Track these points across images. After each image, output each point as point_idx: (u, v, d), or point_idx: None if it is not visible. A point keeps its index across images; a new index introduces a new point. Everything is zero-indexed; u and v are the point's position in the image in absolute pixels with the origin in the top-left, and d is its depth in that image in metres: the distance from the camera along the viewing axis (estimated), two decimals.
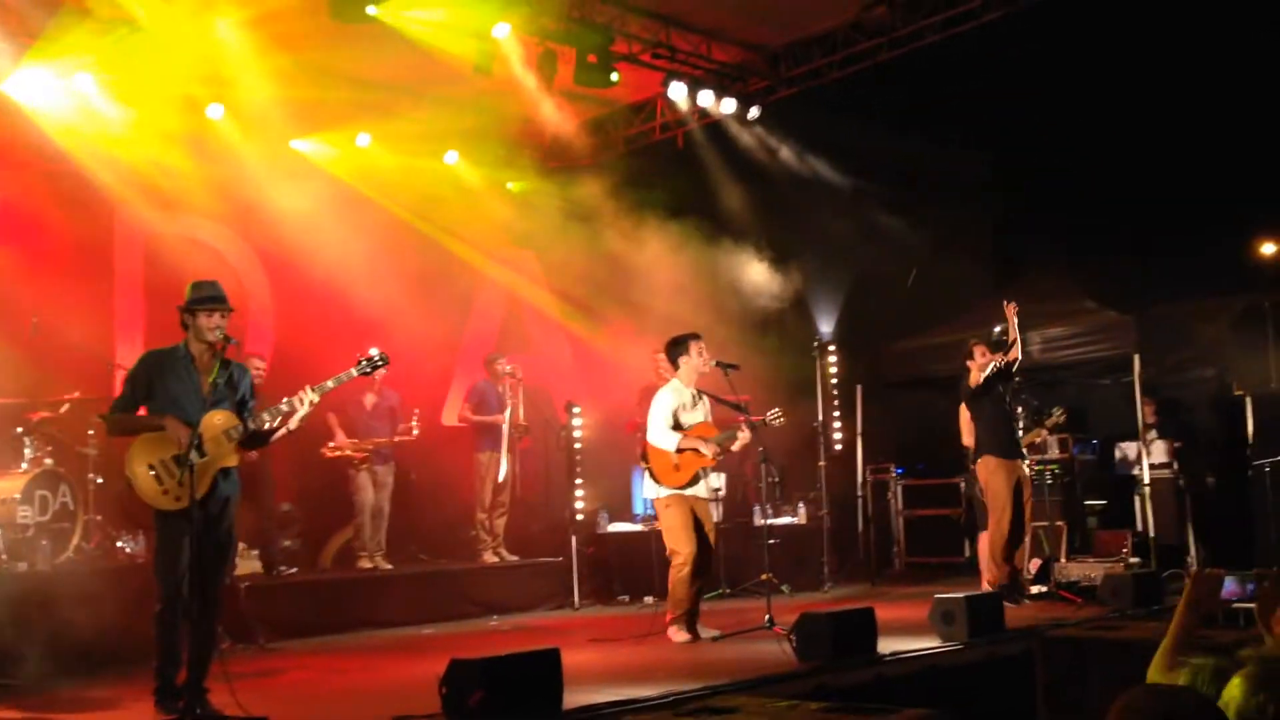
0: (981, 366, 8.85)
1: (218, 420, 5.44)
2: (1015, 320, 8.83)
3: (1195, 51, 10.77)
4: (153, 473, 5.36)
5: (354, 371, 5.86)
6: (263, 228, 10.67)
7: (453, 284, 12.14)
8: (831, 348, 12.32)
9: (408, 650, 7.82)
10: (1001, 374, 8.82)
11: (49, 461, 7.97)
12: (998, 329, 9.85)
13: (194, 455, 5.26)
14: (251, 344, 9.67)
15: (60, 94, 9.65)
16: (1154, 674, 2.90)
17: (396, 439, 10.01)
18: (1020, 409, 9.28)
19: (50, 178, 9.55)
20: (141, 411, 5.51)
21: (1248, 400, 10.40)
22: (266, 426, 5.54)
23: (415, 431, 10.07)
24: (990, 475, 8.79)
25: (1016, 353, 8.79)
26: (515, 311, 13.16)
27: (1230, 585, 7.02)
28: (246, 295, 11.15)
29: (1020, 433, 9.23)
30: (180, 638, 5.37)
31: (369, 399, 10.09)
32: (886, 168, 12.07)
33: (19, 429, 8.08)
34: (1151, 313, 11.12)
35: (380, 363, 5.92)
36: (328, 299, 10.76)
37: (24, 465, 7.91)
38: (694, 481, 7.66)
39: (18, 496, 7.56)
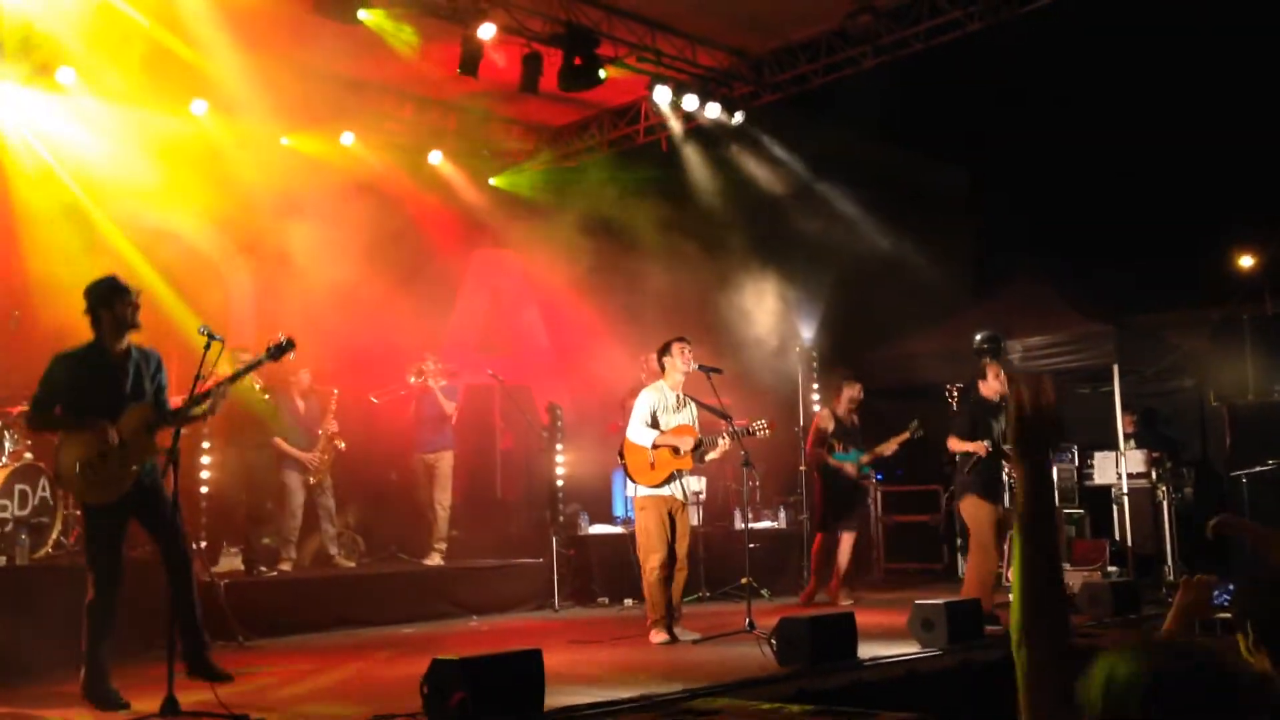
0: (994, 391, 8.52)
1: (136, 413, 5.68)
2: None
3: (1176, 67, 10.88)
4: (78, 470, 5.59)
5: (263, 357, 5.93)
6: (245, 223, 10.63)
7: (435, 283, 12.13)
8: (813, 353, 12.37)
9: (388, 650, 7.79)
10: (989, 411, 8.51)
11: (28, 455, 7.92)
12: (979, 336, 9.92)
13: (113, 451, 5.56)
14: (234, 340, 9.63)
15: (42, 88, 9.61)
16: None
17: (322, 455, 9.78)
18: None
19: (27, 169, 9.51)
20: (59, 410, 5.71)
21: (1225, 411, 10.50)
22: (189, 412, 5.74)
23: (340, 444, 9.91)
24: (974, 513, 8.47)
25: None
26: (498, 311, 13.16)
27: (1219, 594, 7.08)
28: (229, 291, 11.15)
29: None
30: (106, 634, 5.57)
31: (299, 404, 9.84)
32: (869, 174, 12.12)
33: None
34: (1131, 323, 11.21)
35: (287, 347, 5.94)
36: (310, 295, 10.74)
37: (3, 459, 7.87)
38: (669, 481, 7.68)
39: None
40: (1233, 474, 9.98)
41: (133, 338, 5.87)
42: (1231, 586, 6.38)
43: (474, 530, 11.12)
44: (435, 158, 12.38)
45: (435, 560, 10.17)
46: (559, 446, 10.49)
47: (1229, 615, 3.15)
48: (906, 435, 10.33)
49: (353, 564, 9.96)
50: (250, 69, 9.69)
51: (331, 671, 6.99)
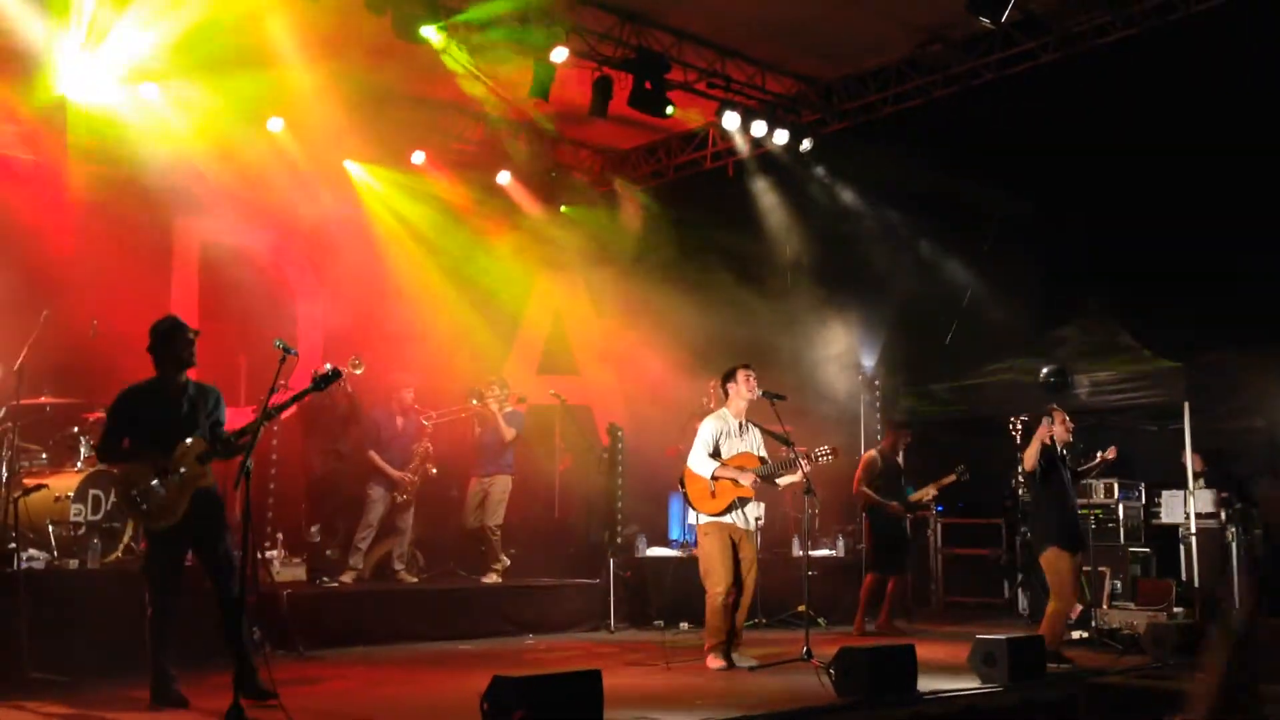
0: (1061, 437, 8.37)
1: (189, 444, 5.96)
2: None
3: (1246, 102, 10.71)
4: (135, 498, 5.92)
5: (310, 388, 6.05)
6: (314, 238, 10.82)
7: (499, 303, 12.24)
8: (876, 383, 12.29)
9: (445, 665, 7.85)
10: (1060, 459, 8.38)
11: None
12: (1045, 370, 9.81)
13: (166, 479, 5.88)
14: (303, 355, 9.81)
15: (125, 99, 9.86)
16: None
17: (411, 476, 9.96)
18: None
19: (112, 183, 9.77)
20: (126, 443, 6.03)
21: None
22: (238, 441, 5.97)
23: (432, 470, 10.09)
24: (1054, 563, 8.22)
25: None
26: (561, 332, 13.25)
27: None
28: (297, 308, 11.34)
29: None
30: (167, 643, 5.88)
31: (399, 421, 10.08)
32: (936, 205, 12.05)
33: (75, 428, 8.26)
34: (1201, 361, 11.01)
35: (333, 377, 6.04)
36: (376, 313, 10.90)
37: (79, 464, 8.06)
38: (730, 510, 7.67)
39: (71, 495, 7.69)
40: None
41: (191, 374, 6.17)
42: None
43: (531, 549, 11.16)
44: (504, 178, 12.50)
45: (493, 579, 10.23)
46: (619, 468, 10.52)
47: None
48: (952, 479, 10.34)
49: (414, 579, 10.05)
50: (324, 87, 9.90)
51: (391, 684, 7.05)
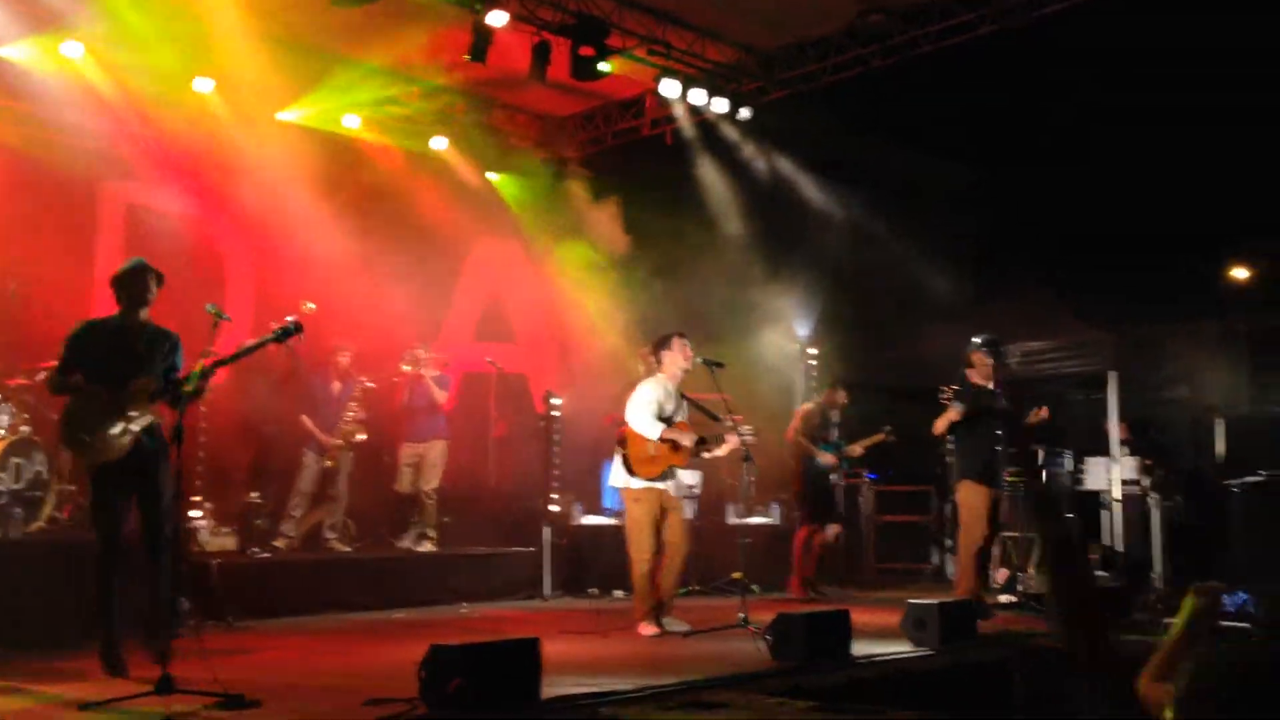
0: (985, 377, 8.79)
1: (142, 383, 5.95)
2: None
3: (1180, 76, 10.88)
4: (80, 430, 5.88)
5: (268, 338, 5.89)
6: (244, 201, 10.58)
7: (435, 269, 12.10)
8: (810, 351, 12.36)
9: (380, 634, 7.79)
10: (986, 398, 8.72)
11: (25, 429, 7.89)
12: (977, 339, 9.92)
13: (114, 417, 5.85)
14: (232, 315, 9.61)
15: (46, 58, 9.55)
16: (1144, 684, 2.94)
17: (339, 441, 9.83)
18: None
19: (34, 144, 9.46)
20: (79, 377, 5.97)
21: (1220, 421, 10.53)
22: (185, 389, 5.79)
23: (360, 435, 9.95)
24: (967, 497, 8.70)
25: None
26: (498, 299, 13.13)
27: (1233, 599, 7.20)
28: (226, 272, 11.11)
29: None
30: (114, 590, 5.85)
31: (335, 386, 9.96)
32: (874, 174, 12.11)
33: None
34: (1129, 332, 11.23)
35: (294, 330, 5.90)
36: (308, 278, 10.69)
37: (0, 432, 7.83)
38: (663, 476, 7.68)
39: None
40: (1225, 483, 10.02)
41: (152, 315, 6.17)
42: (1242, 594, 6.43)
43: (466, 517, 11.11)
44: (439, 144, 12.33)
45: (426, 547, 10.17)
46: (555, 436, 10.49)
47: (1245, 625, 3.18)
48: (880, 438, 10.54)
49: (347, 549, 9.95)
50: (255, 47, 9.66)
51: (324, 655, 6.98)
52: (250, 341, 5.92)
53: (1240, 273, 13.14)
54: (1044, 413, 9.36)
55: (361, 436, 9.98)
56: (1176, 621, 3.10)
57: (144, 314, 6.12)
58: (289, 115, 11.24)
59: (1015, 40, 10.18)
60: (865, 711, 3.74)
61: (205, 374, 5.66)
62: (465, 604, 9.47)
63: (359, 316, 10.65)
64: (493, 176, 13.05)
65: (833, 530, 10.41)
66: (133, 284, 6.09)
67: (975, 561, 8.65)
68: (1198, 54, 10.65)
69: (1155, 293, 11.43)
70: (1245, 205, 11.27)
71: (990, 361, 8.81)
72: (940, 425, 8.74)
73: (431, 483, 10.32)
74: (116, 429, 5.86)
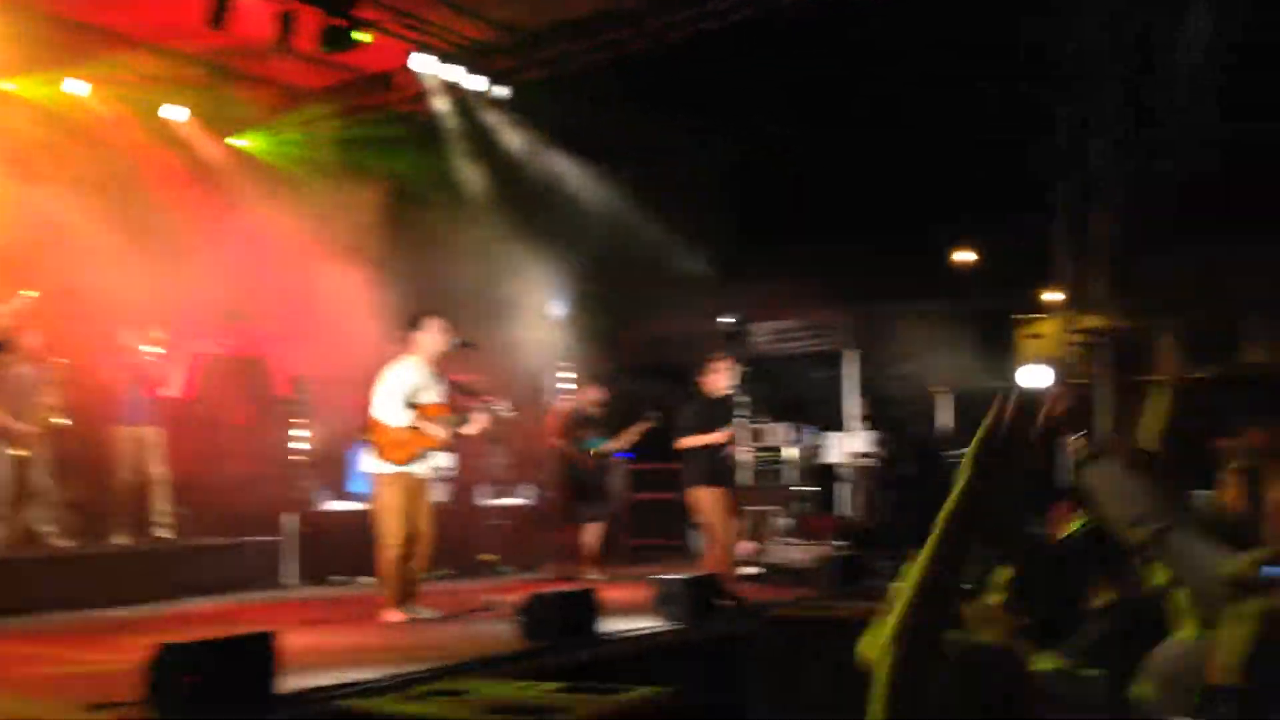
0: (720, 387, 8.96)
1: None
2: None
3: (911, 67, 11.50)
4: None
5: None
6: None
7: (171, 245, 11.42)
8: (565, 330, 12.41)
9: (107, 632, 7.29)
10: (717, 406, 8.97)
11: None
12: (724, 319, 10.24)
13: None
14: None
15: None
16: (864, 646, 3.05)
17: (32, 428, 9.07)
18: None
19: None
20: None
21: (946, 397, 11.25)
22: None
23: (61, 420, 9.27)
24: (701, 500, 8.86)
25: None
26: (241, 278, 12.51)
27: None
28: None
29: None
30: None
31: (24, 370, 9.18)
32: (628, 156, 12.26)
33: None
34: (865, 312, 11.83)
35: None
36: (28, 257, 9.89)
37: None
38: (416, 460, 7.55)
39: None
40: (950, 454, 10.71)
41: None
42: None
43: (204, 507, 10.53)
44: (176, 113, 11.62)
45: (161, 537, 9.61)
46: (297, 420, 10.12)
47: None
48: (644, 426, 10.72)
49: (70, 543, 9.26)
50: None
51: (46, 657, 6.48)
52: None
53: (967, 256, 14.07)
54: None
55: (63, 421, 9.22)
56: (899, 587, 3.23)
57: None
58: (8, 85, 10.38)
59: (764, 28, 10.49)
60: (608, 689, 3.76)
61: None
62: (201, 597, 9.00)
63: (86, 296, 9.93)
64: (241, 144, 12.42)
65: (596, 528, 10.45)
66: None
67: (727, 562, 8.82)
68: (935, 47, 11.26)
69: (889, 274, 12.08)
70: (970, 192, 12.04)
71: (724, 365, 8.98)
72: (688, 443, 8.90)
73: (157, 468, 9.73)
74: None
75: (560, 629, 6.33)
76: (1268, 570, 1.84)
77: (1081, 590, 3.06)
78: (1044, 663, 2.73)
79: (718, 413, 8.90)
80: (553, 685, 3.86)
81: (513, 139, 12.36)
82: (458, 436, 7.83)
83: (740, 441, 9.23)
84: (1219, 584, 1.92)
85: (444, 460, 9.52)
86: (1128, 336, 11.11)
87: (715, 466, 8.82)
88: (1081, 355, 11.08)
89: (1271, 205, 9.59)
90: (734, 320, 9.77)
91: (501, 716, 3.43)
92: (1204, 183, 9.91)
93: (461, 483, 11.47)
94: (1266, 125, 9.70)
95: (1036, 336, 12.22)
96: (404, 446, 7.50)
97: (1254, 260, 10.35)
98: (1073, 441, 3.07)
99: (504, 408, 7.86)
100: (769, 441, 11.53)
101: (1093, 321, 11.03)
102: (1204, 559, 2.85)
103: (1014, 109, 11.00)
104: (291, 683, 5.02)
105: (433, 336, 7.69)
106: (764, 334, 11.47)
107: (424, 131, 12.12)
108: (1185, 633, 2.91)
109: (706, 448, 8.76)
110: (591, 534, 10.34)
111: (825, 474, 11.78)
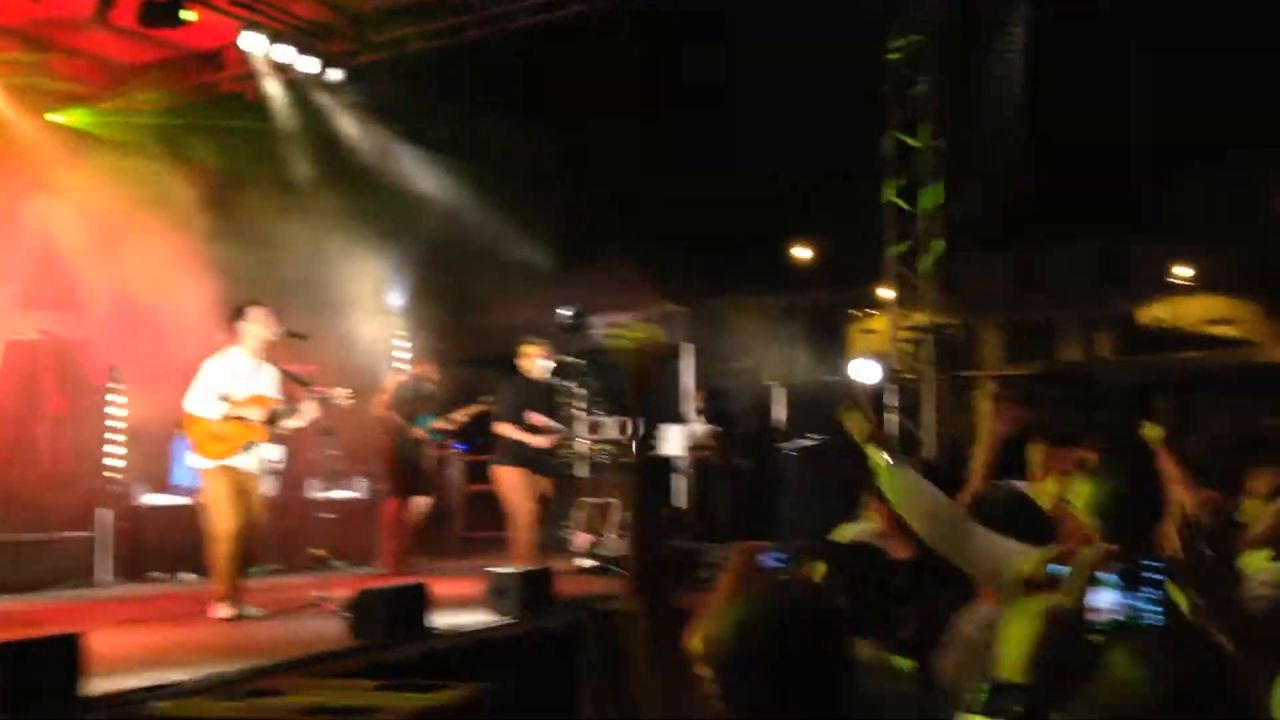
0: (539, 371, 9.07)
1: None
2: None
3: (747, 65, 11.71)
4: None
5: None
6: None
7: None
8: (402, 320, 12.20)
9: None
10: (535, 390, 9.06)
11: None
12: (563, 310, 10.25)
13: None
14: None
15: None
16: (691, 640, 3.09)
17: None
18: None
19: None
20: None
21: (779, 390, 11.49)
22: None
23: None
24: (504, 479, 8.97)
25: None
26: (54, 262, 11.88)
27: (769, 558, 7.73)
28: None
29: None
30: None
31: None
32: (466, 146, 12.13)
33: None
34: (703, 306, 12.00)
35: None
36: None
37: None
38: (240, 453, 7.32)
39: None
40: (779, 447, 10.97)
41: None
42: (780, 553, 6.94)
43: (13, 503, 9.98)
44: None
45: None
46: (115, 411, 9.68)
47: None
48: (480, 408, 10.64)
49: None
50: None
51: None
52: None
53: (802, 253, 14.42)
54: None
55: None
56: (721, 580, 3.28)
57: None
58: None
59: (609, 20, 10.51)
60: (429, 686, 3.71)
61: None
62: (7, 597, 8.51)
63: None
64: (56, 120, 11.76)
65: (422, 503, 10.32)
66: None
67: (528, 539, 8.90)
68: (777, 45, 11.48)
69: (726, 269, 12.29)
70: (809, 191, 12.35)
71: (538, 349, 9.07)
72: (513, 433, 8.97)
73: None
74: None
75: (390, 625, 6.23)
76: (1054, 568, 1.95)
77: (895, 583, 3.16)
78: (858, 652, 2.81)
79: (535, 395, 8.92)
80: (372, 684, 3.78)
81: (348, 125, 12.05)
82: (284, 428, 7.61)
83: (577, 434, 9.24)
84: (1010, 583, 2.03)
85: (272, 452, 9.26)
86: (952, 333, 11.56)
87: (525, 451, 8.83)
88: (909, 351, 11.46)
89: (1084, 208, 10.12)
90: (572, 313, 9.75)
91: (313, 718, 3.34)
92: (1023, 188, 10.39)
93: (291, 475, 11.15)
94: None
95: (868, 332, 12.62)
96: (222, 440, 7.26)
97: (1071, 261, 10.90)
98: (873, 452, 3.22)
99: (342, 395, 7.67)
100: (605, 434, 11.57)
101: (920, 318, 11.42)
102: (996, 557, 3.02)
103: (851, 107, 11.32)
104: (100, 686, 4.80)
105: (257, 327, 7.46)
106: (602, 326, 11.51)
107: (254, 114, 11.72)
108: (985, 604, 3.08)
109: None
110: (414, 513, 10.18)
111: (659, 466, 11.88)
